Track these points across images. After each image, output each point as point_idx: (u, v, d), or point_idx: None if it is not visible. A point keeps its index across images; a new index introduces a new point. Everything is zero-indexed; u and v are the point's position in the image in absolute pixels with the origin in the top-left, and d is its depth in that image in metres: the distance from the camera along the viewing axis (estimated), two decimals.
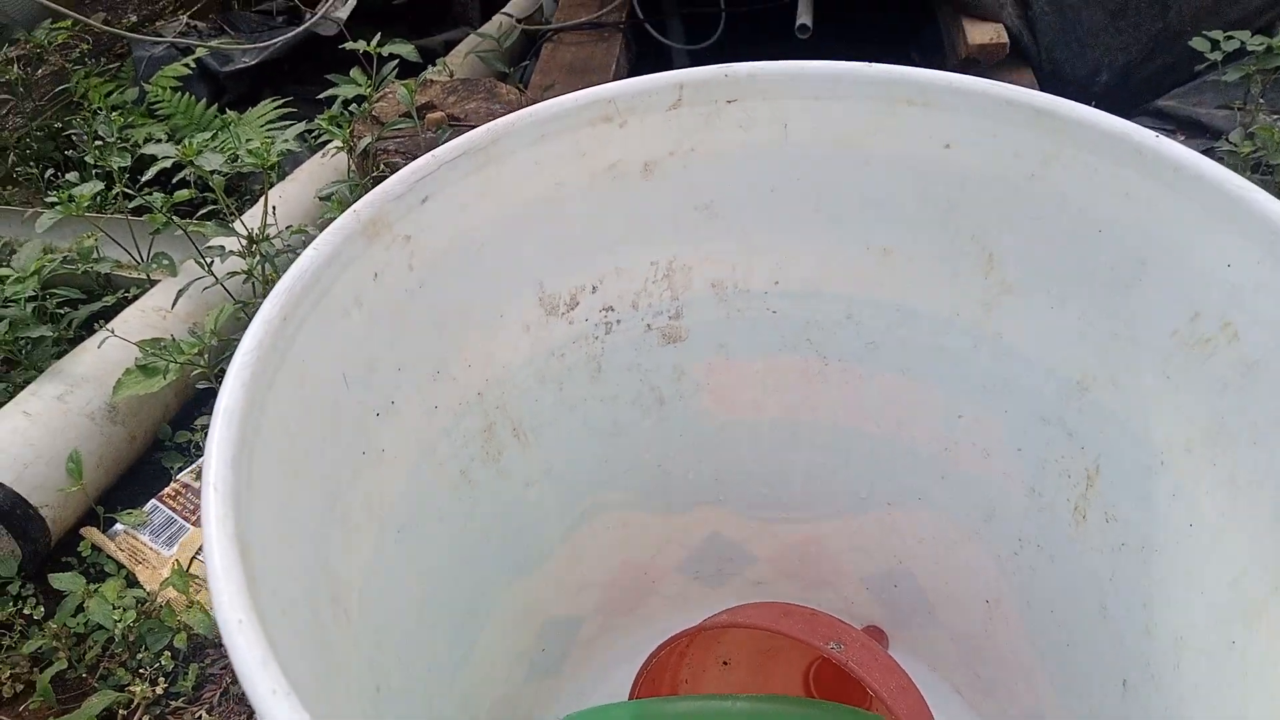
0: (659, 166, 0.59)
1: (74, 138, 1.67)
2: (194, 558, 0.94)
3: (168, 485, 1.03)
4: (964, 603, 0.74)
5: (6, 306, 1.09)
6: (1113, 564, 0.59)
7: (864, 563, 0.78)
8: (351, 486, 0.50)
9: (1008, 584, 0.69)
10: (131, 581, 0.95)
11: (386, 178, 0.50)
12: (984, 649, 0.74)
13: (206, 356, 1.02)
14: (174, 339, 1.01)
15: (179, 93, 1.68)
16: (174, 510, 0.99)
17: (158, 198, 1.11)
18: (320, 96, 1.37)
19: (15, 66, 1.81)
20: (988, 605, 0.72)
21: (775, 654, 0.76)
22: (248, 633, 0.31)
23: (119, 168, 1.12)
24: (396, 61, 1.36)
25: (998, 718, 0.74)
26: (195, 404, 1.15)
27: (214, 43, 1.79)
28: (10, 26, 1.88)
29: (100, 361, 1.05)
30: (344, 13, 1.78)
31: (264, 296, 0.47)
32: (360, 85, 1.30)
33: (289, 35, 1.76)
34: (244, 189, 1.58)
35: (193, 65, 1.74)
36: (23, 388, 1.04)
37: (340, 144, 1.20)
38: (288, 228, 1.15)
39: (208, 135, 1.10)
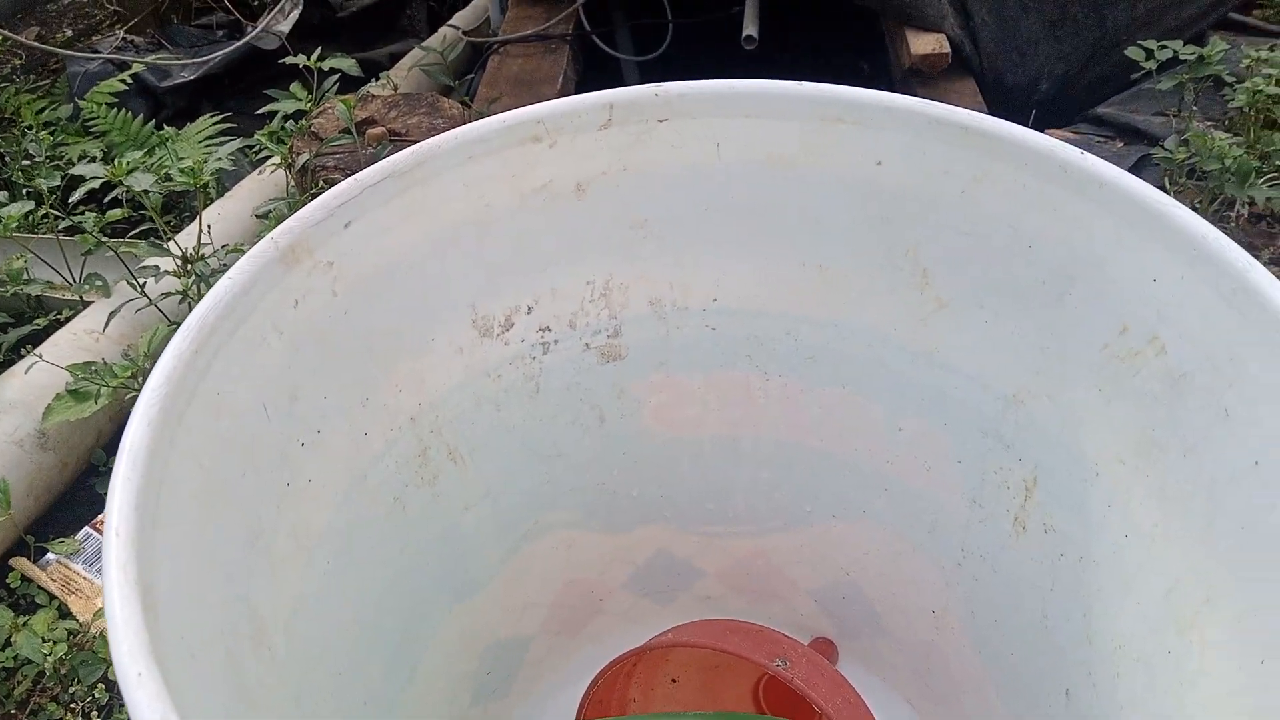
0: (592, 186, 0.58)
1: (3, 156, 1.62)
2: None
3: (102, 512, 1.00)
4: (911, 614, 0.74)
5: None
6: (1052, 574, 0.59)
7: (811, 576, 0.78)
8: (276, 518, 0.48)
9: (952, 594, 0.69)
10: (64, 612, 0.92)
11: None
12: (932, 659, 0.74)
13: (140, 380, 0.99)
14: (106, 363, 0.99)
15: (115, 109, 1.64)
16: None
17: (89, 217, 1.08)
18: (260, 112, 1.35)
19: None
20: (934, 615, 0.72)
21: (724, 670, 0.75)
22: (147, 685, 0.29)
23: (48, 187, 1.09)
24: (338, 76, 1.34)
25: None
26: None
27: (151, 58, 1.76)
28: None
29: (28, 387, 1.02)
30: (285, 26, 1.76)
31: None
32: (300, 100, 1.28)
33: (229, 49, 1.73)
34: (183, 206, 1.55)
35: (129, 81, 1.70)
36: None
37: (279, 161, 1.18)
38: (224, 246, 1.13)
39: (139, 154, 1.07)
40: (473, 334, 0.59)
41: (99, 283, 1.13)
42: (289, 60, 1.33)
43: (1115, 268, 0.49)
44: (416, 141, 0.52)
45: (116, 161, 0.97)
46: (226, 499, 0.43)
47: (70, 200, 1.05)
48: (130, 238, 1.10)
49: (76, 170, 0.98)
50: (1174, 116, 1.54)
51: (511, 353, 0.62)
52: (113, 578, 0.32)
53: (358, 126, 1.18)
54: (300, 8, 1.79)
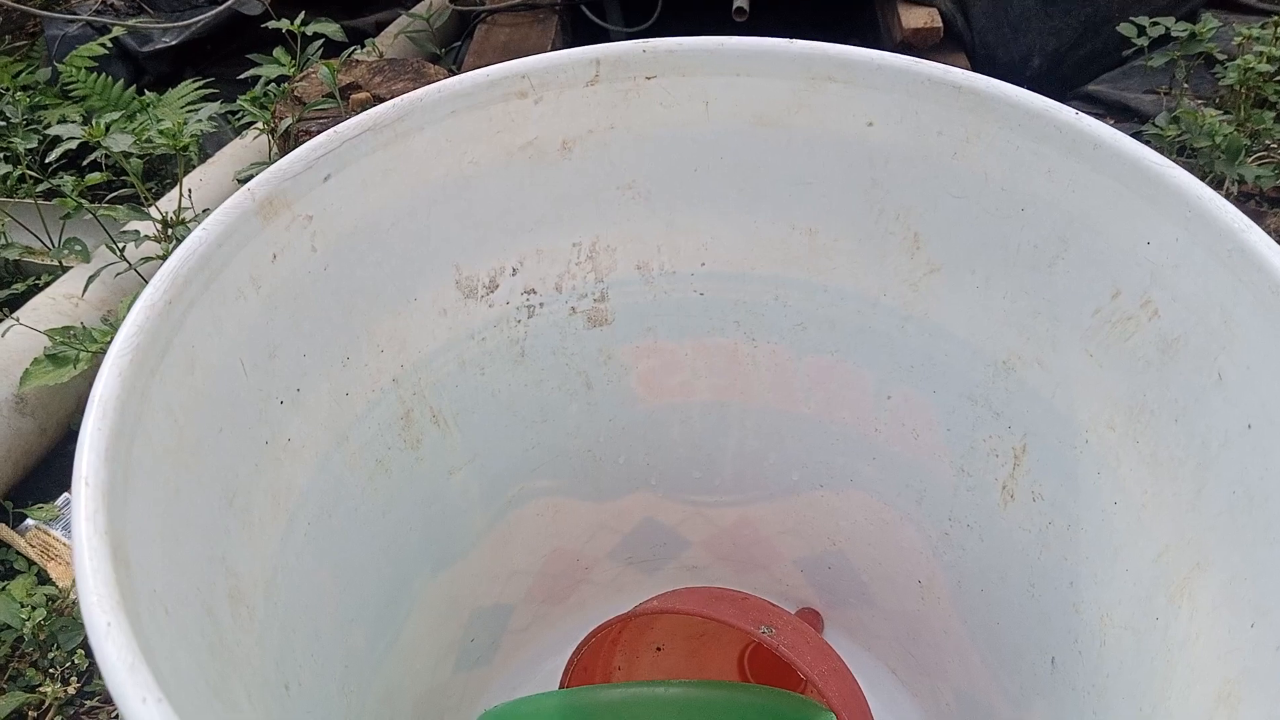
0: (578, 144, 0.57)
1: None
2: None
3: None
4: (897, 583, 0.73)
5: None
6: (1040, 542, 0.59)
7: (797, 545, 0.78)
8: (254, 478, 0.47)
9: (939, 563, 0.69)
10: (43, 578, 0.91)
11: None
12: (917, 629, 0.74)
13: None
14: (85, 327, 0.97)
15: (95, 73, 1.61)
16: None
17: (68, 181, 1.06)
18: (242, 76, 1.33)
19: None
20: (920, 585, 0.71)
21: (709, 638, 0.75)
22: (116, 637, 0.29)
23: (25, 149, 1.07)
24: (321, 41, 1.32)
25: (931, 697, 0.74)
26: None
27: (132, 21, 1.72)
28: None
29: (6, 351, 1.00)
30: None
31: None
32: (283, 65, 1.26)
33: (212, 14, 1.70)
34: (164, 173, 1.53)
35: (110, 45, 1.67)
36: None
37: (262, 126, 1.16)
38: (204, 211, 1.11)
39: (117, 115, 1.05)
40: (456, 295, 0.58)
41: (78, 248, 1.11)
42: (272, 25, 1.31)
43: (1109, 230, 0.49)
44: None
45: (95, 122, 0.95)
46: (202, 456, 0.42)
47: (47, 162, 1.03)
48: (109, 201, 1.08)
49: (54, 130, 0.96)
50: (1164, 94, 1.53)
51: (496, 315, 0.61)
52: (81, 528, 0.31)
53: (341, 91, 1.16)
54: None
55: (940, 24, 1.54)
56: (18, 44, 1.84)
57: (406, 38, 1.63)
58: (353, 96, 1.17)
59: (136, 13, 1.81)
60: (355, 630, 0.58)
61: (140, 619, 0.31)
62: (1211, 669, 0.42)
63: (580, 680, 0.70)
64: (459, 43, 1.71)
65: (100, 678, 0.83)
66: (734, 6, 1.59)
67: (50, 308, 1.07)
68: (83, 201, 1.01)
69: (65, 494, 0.98)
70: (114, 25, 1.68)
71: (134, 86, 1.64)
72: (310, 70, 1.22)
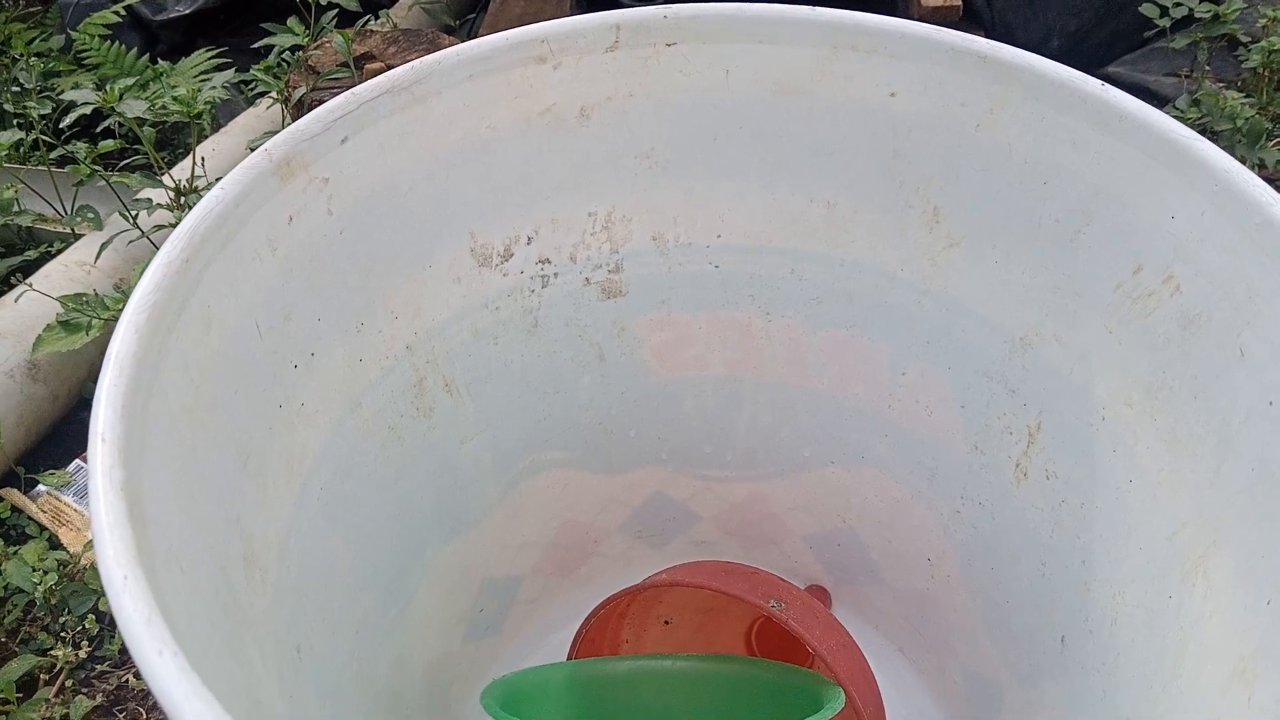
0: (596, 111, 0.56)
1: None
2: None
3: None
4: (907, 561, 0.73)
5: None
6: (1053, 521, 0.59)
7: (808, 522, 0.78)
8: (268, 441, 0.47)
9: (949, 542, 0.68)
10: (54, 544, 0.91)
11: None
12: (926, 607, 0.74)
13: None
14: (97, 294, 0.97)
15: (108, 41, 1.61)
16: None
17: (81, 148, 1.06)
18: (256, 46, 1.32)
19: None
20: (930, 564, 0.71)
21: (717, 613, 0.75)
22: (133, 590, 0.29)
23: (39, 115, 1.07)
24: (336, 10, 1.31)
25: (938, 675, 0.74)
26: None
27: None
28: None
29: (18, 317, 1.01)
30: None
31: None
32: (297, 34, 1.25)
33: None
34: (177, 143, 1.53)
35: (123, 13, 1.66)
36: None
37: (274, 96, 1.16)
38: (217, 179, 1.10)
39: (130, 82, 1.05)
40: (471, 263, 0.58)
41: (90, 215, 1.11)
42: None
43: (1133, 204, 0.48)
44: None
45: (109, 88, 0.95)
46: (218, 416, 0.42)
47: (61, 128, 1.03)
48: (121, 169, 1.08)
49: (68, 95, 0.96)
50: (1186, 77, 1.52)
51: (510, 284, 0.61)
52: (98, 483, 0.31)
53: (356, 61, 1.16)
54: None
55: (959, 2, 1.52)
56: (31, 9, 1.83)
57: (421, 9, 1.62)
58: (367, 66, 1.17)
59: None
60: (366, 596, 0.59)
61: (156, 574, 0.31)
62: (1226, 646, 0.42)
63: (588, 652, 0.70)
64: (474, 15, 1.70)
65: (111, 642, 0.84)
66: None
67: (63, 275, 1.07)
68: (97, 168, 1.00)
69: (77, 460, 0.98)
70: None
71: (147, 55, 1.63)
72: (324, 40, 1.22)
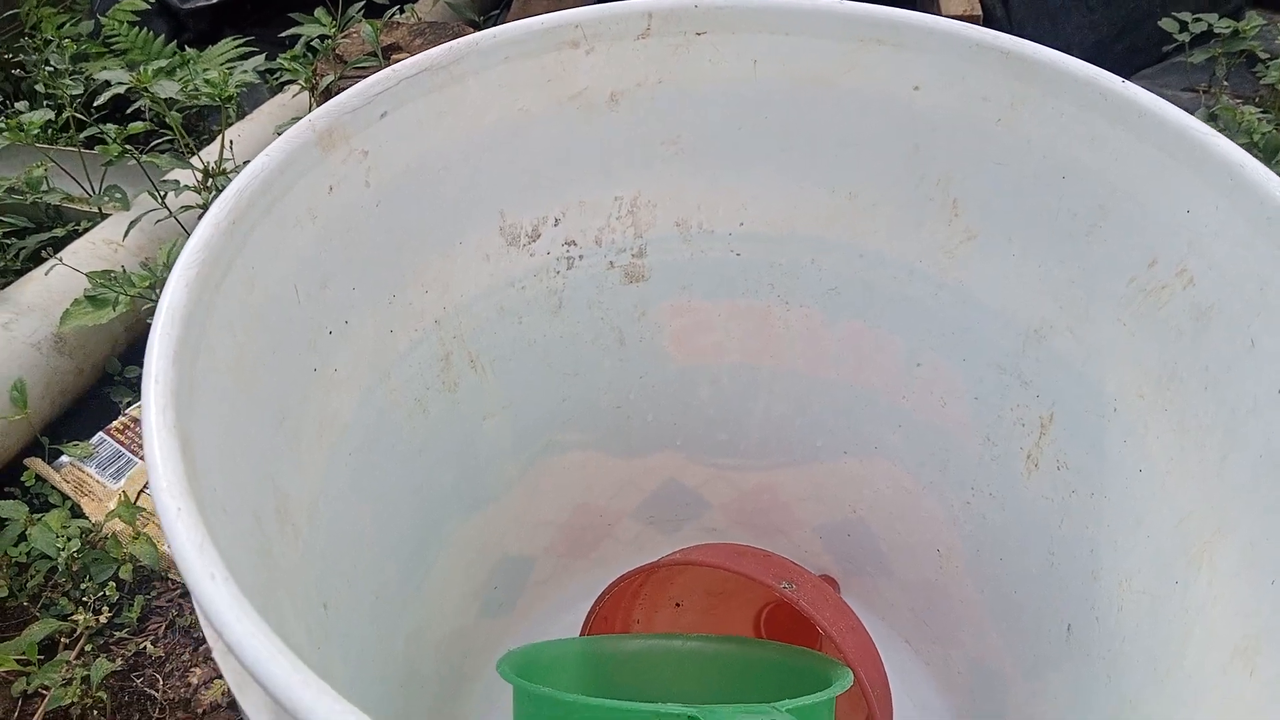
0: (626, 97, 0.58)
1: (24, 66, 1.61)
2: (141, 491, 0.92)
3: (115, 419, 1.01)
4: (916, 552, 0.74)
5: None
6: (1062, 511, 0.60)
7: (818, 512, 0.79)
8: (302, 404, 0.49)
9: (959, 533, 0.70)
10: (76, 513, 0.93)
11: None
12: (933, 598, 0.75)
13: (158, 290, 0.99)
14: (125, 270, 0.99)
15: (137, 27, 1.63)
16: (122, 444, 0.97)
17: (111, 129, 1.08)
18: (283, 35, 1.34)
19: None
20: (939, 554, 0.72)
21: (728, 597, 0.76)
22: (186, 519, 0.30)
23: (71, 95, 1.09)
24: (363, 2, 1.33)
25: (944, 666, 0.75)
26: (146, 339, 1.12)
27: None
28: None
29: (47, 291, 1.02)
30: None
31: None
32: (324, 25, 1.27)
33: None
34: (201, 129, 1.54)
35: (152, 0, 1.68)
36: None
37: (302, 83, 1.18)
38: (245, 162, 1.12)
39: (163, 63, 1.07)
40: (500, 241, 0.60)
41: (118, 195, 1.13)
42: None
43: (1149, 199, 0.49)
44: None
45: (142, 69, 0.97)
46: (257, 375, 0.44)
47: (95, 106, 1.05)
48: (149, 150, 1.09)
49: (102, 75, 0.98)
50: (1203, 92, 1.52)
51: (536, 264, 0.62)
52: (152, 421, 0.33)
53: (383, 52, 1.17)
54: None
55: (980, 12, 1.53)
56: None
57: (445, 3, 1.64)
58: (394, 57, 1.18)
59: None
60: (388, 565, 0.60)
61: (205, 509, 0.32)
62: (1230, 628, 0.43)
63: (600, 630, 0.71)
64: (497, 11, 1.72)
65: (130, 610, 0.85)
66: None
67: (90, 252, 1.09)
68: (129, 148, 1.02)
69: (100, 433, 1.00)
70: None
71: (174, 42, 1.65)
72: (352, 30, 1.24)
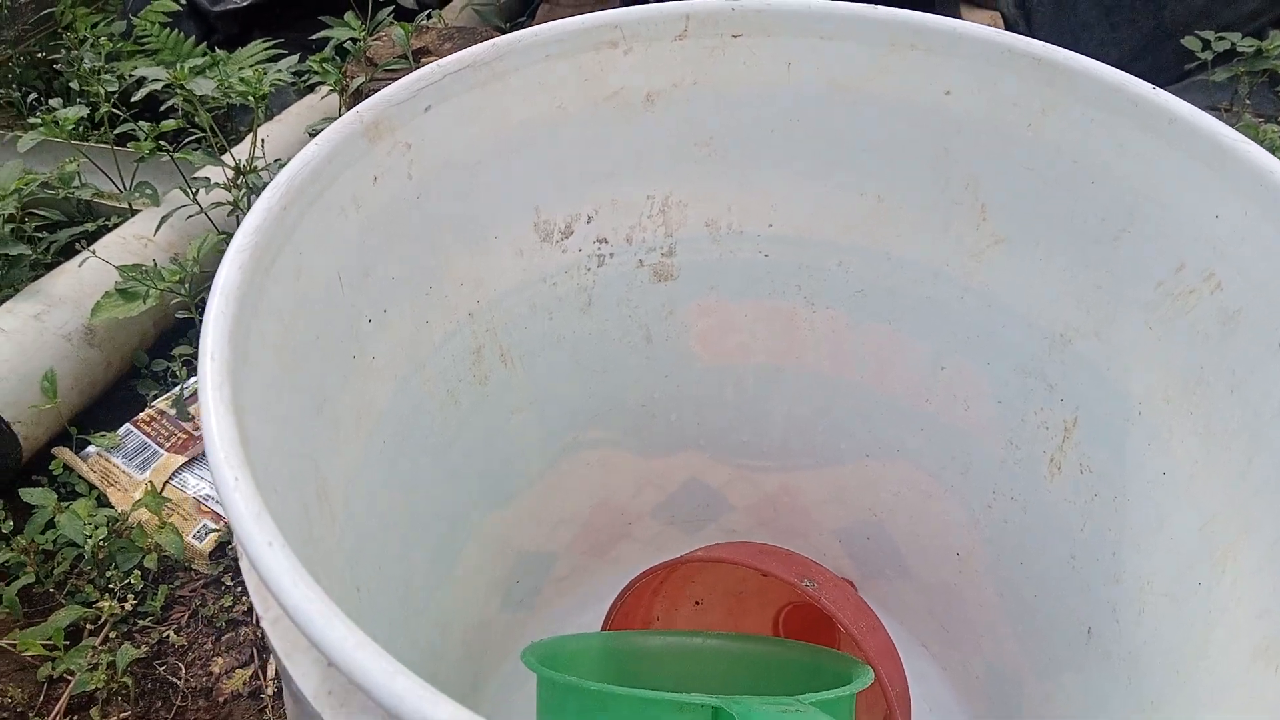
0: (661, 98, 0.59)
1: (59, 65, 1.64)
2: (167, 481, 0.93)
3: (142, 412, 1.02)
4: (935, 556, 0.75)
5: None
6: (1085, 514, 0.60)
7: (838, 514, 0.79)
8: (341, 390, 0.50)
9: (979, 537, 0.70)
10: (102, 502, 0.94)
11: None
12: (952, 603, 0.75)
13: (188, 285, 1.01)
14: (156, 264, 1.00)
15: (168, 29, 1.65)
16: (148, 436, 0.99)
17: (144, 126, 1.10)
18: (314, 38, 1.36)
19: None
20: (958, 558, 0.73)
21: (747, 597, 0.77)
22: (243, 488, 0.31)
23: (106, 91, 1.11)
24: (393, 6, 1.35)
25: (961, 670, 0.76)
26: (174, 334, 1.14)
27: None
28: None
29: (79, 283, 1.04)
30: None
31: None
32: (354, 29, 1.29)
33: None
34: (230, 129, 1.57)
35: (183, 2, 1.71)
36: None
37: (332, 85, 1.20)
38: (275, 160, 1.14)
39: (199, 62, 1.09)
40: (533, 237, 0.61)
41: (149, 191, 1.15)
42: None
43: (1177, 204, 0.50)
44: None
45: (179, 66, 0.98)
46: (301, 360, 0.45)
47: (132, 100, 1.06)
48: (180, 147, 1.11)
49: (139, 72, 1.00)
50: (1225, 110, 1.53)
51: (568, 261, 0.63)
52: (209, 395, 0.34)
53: (413, 55, 1.19)
54: None
55: (1002, 27, 1.54)
56: None
57: (473, 10, 1.66)
58: (423, 60, 1.20)
59: None
60: (417, 554, 0.61)
61: (259, 481, 0.33)
62: (1253, 626, 0.44)
63: (620, 626, 0.72)
64: (523, 18, 1.74)
65: (154, 599, 0.86)
66: None
67: (120, 247, 1.11)
68: (163, 144, 1.04)
69: (127, 425, 1.01)
70: None
71: (204, 44, 1.68)
72: (382, 33, 1.25)
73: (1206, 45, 1.47)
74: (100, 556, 0.88)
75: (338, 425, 0.49)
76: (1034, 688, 0.67)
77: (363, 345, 0.51)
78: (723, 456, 0.79)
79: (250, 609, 0.88)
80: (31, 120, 1.09)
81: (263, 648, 0.86)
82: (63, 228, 1.18)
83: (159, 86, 0.98)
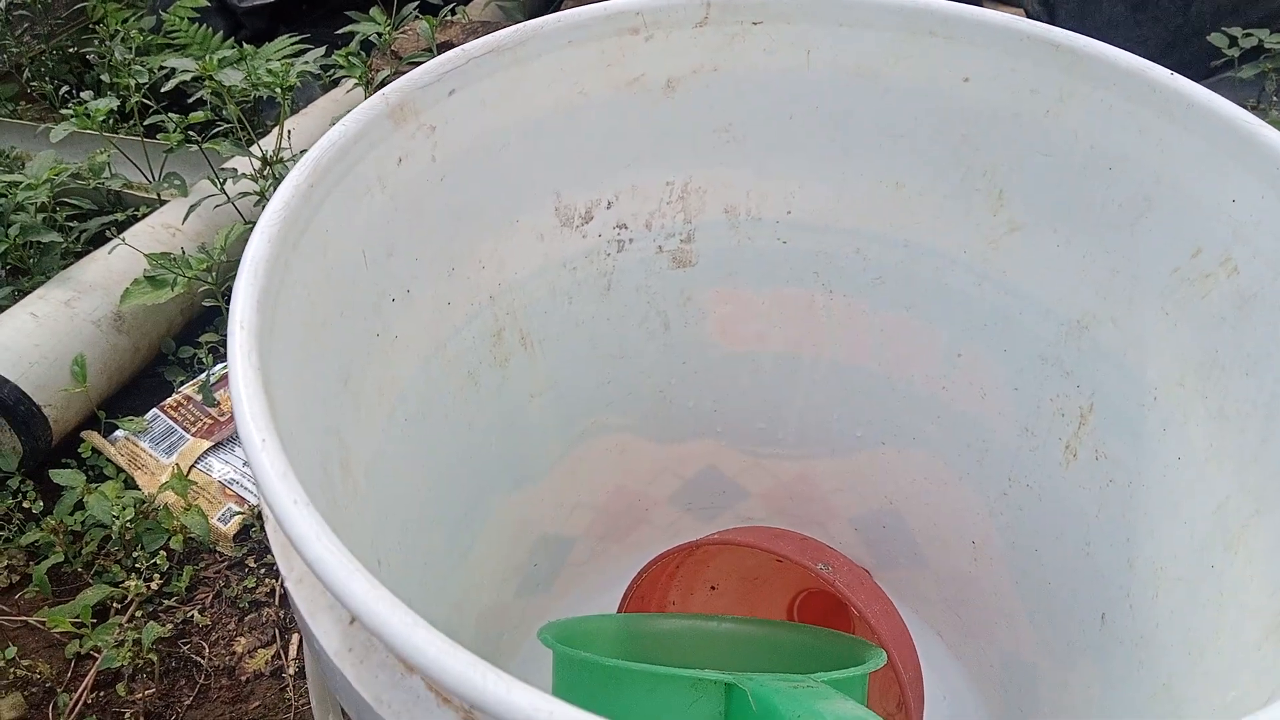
0: (681, 84, 0.59)
1: (90, 58, 1.67)
2: (193, 465, 0.95)
3: (169, 397, 1.04)
4: (950, 544, 0.75)
5: (17, 213, 1.10)
6: (1100, 500, 0.60)
7: (854, 503, 0.80)
8: (365, 366, 0.51)
9: (994, 524, 0.70)
10: (129, 485, 0.96)
11: None
12: (967, 591, 0.75)
13: (215, 274, 1.03)
14: (184, 253, 1.02)
15: (196, 24, 1.68)
16: (175, 420, 1.00)
17: (173, 118, 1.12)
18: (340, 32, 1.38)
19: None
20: (974, 546, 0.73)
21: (762, 582, 0.77)
22: (270, 449, 0.32)
23: (136, 83, 1.13)
24: (418, 1, 1.36)
25: (976, 659, 0.76)
26: (200, 322, 1.16)
27: None
28: None
29: (108, 271, 1.06)
30: None
31: None
32: (379, 23, 1.30)
33: None
34: (255, 123, 1.59)
35: None
36: (30, 293, 1.05)
37: (357, 79, 1.21)
38: (301, 152, 1.16)
39: (227, 54, 1.11)
40: (554, 222, 0.61)
41: (177, 182, 1.17)
42: None
43: (1194, 189, 0.50)
44: None
45: (208, 58, 1.00)
46: (326, 334, 0.46)
47: (163, 91, 1.08)
48: (209, 138, 1.13)
49: (169, 63, 1.02)
50: (1253, 107, 1.52)
51: (588, 246, 0.64)
52: (238, 362, 0.35)
53: (438, 49, 1.20)
54: None
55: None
56: None
57: (496, 6, 1.67)
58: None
59: None
60: (436, 532, 0.62)
61: (285, 444, 0.34)
62: (1265, 605, 0.44)
63: (636, 609, 0.73)
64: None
65: (179, 580, 0.88)
66: None
67: (149, 235, 1.13)
68: (191, 134, 1.06)
69: (154, 409, 1.03)
70: None
71: (231, 39, 1.70)
72: (407, 27, 1.27)
73: (1233, 42, 1.46)
74: (127, 538, 0.90)
75: (360, 401, 0.50)
76: (1049, 674, 0.67)
77: (386, 323, 0.52)
78: (739, 444, 0.79)
79: (273, 591, 0.90)
80: (63, 112, 1.11)
81: (285, 629, 0.88)
82: (93, 217, 1.20)
83: (188, 78, 1.00)
